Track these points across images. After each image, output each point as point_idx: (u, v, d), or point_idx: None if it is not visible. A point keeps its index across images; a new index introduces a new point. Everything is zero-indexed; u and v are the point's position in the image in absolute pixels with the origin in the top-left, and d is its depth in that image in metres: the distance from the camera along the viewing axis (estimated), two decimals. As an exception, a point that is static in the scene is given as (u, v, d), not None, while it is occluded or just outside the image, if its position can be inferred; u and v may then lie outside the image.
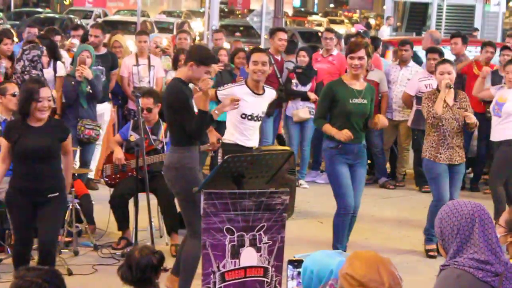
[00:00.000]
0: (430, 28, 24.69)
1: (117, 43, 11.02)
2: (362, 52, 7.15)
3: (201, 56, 6.17)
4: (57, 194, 6.13)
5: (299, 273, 4.92)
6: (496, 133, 9.04)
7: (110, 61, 10.14)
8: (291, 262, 4.55)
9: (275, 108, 10.34)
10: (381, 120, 7.33)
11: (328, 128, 7.22)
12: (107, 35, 11.19)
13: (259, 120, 7.17)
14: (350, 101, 7.21)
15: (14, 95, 7.62)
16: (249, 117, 7.04)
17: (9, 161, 6.21)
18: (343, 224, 7.32)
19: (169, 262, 7.15)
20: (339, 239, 7.34)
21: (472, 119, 7.65)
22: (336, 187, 7.32)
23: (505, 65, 9.22)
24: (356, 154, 7.31)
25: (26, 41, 9.88)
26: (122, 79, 10.42)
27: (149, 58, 10.36)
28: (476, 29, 26.17)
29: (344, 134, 7.08)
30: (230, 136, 7.13)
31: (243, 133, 7.09)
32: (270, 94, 7.32)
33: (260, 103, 7.14)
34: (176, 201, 7.79)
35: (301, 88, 10.50)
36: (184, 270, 6.23)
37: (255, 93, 7.10)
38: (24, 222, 6.22)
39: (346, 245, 7.42)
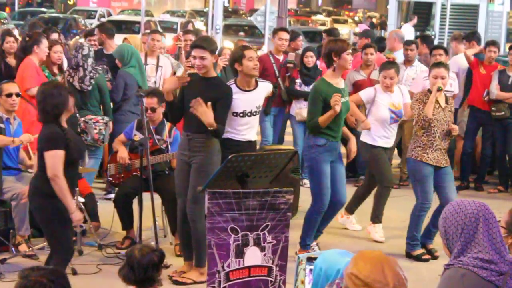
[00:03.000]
0: (434, 27, 24.65)
1: (126, 41, 11.02)
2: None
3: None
4: None
5: (311, 270, 4.95)
6: None
7: (109, 62, 10.09)
8: (309, 259, 4.62)
9: (271, 107, 10.36)
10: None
11: (322, 117, 7.25)
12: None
13: (254, 115, 7.18)
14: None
15: (9, 96, 7.60)
16: (241, 114, 7.07)
17: None
18: (315, 221, 7.55)
19: (173, 261, 7.17)
20: (309, 235, 7.59)
21: (457, 132, 7.92)
22: (317, 186, 7.47)
23: None
24: (336, 150, 7.52)
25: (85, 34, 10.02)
26: None
27: (158, 58, 10.33)
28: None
29: (334, 101, 7.14)
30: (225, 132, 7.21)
31: (235, 128, 7.12)
32: (264, 87, 7.32)
33: (252, 99, 7.13)
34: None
35: (304, 88, 10.49)
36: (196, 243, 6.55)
37: (246, 90, 7.08)
38: (67, 230, 6.00)
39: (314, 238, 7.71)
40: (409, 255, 7.83)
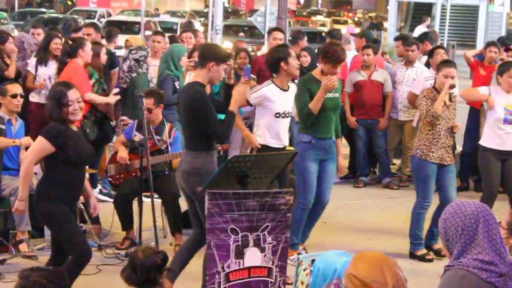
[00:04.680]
0: (434, 28, 24.65)
1: (128, 42, 11.02)
2: None
3: (221, 54, 6.19)
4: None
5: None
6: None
7: (108, 60, 10.06)
8: (313, 261, 4.66)
9: None
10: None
11: (311, 103, 7.15)
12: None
13: (288, 117, 7.20)
14: (326, 96, 7.25)
15: (14, 96, 7.61)
16: (282, 115, 7.09)
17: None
18: (301, 218, 7.49)
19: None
20: (296, 232, 7.51)
21: (459, 130, 7.86)
22: (301, 182, 7.46)
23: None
24: (327, 149, 7.43)
25: None
26: None
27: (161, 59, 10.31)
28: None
29: (328, 81, 7.08)
30: (262, 139, 7.20)
31: (278, 134, 7.14)
32: (294, 89, 7.37)
33: (287, 99, 7.21)
34: (178, 201, 7.84)
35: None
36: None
37: (283, 90, 7.12)
38: (80, 230, 5.99)
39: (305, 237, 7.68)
40: (413, 255, 7.84)
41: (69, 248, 5.84)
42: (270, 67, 7.19)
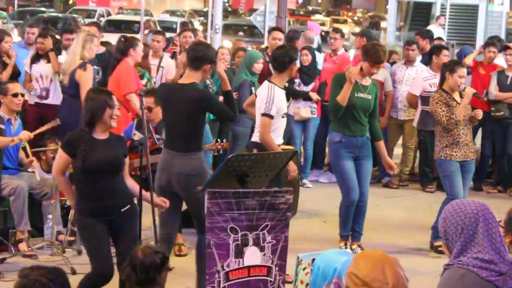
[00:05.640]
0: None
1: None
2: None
3: (213, 55, 6.39)
4: (128, 206, 5.90)
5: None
6: None
7: (107, 60, 10.05)
8: (313, 260, 4.67)
9: None
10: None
11: (340, 93, 7.31)
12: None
13: (283, 117, 7.23)
14: (356, 95, 7.44)
15: (15, 95, 7.61)
16: (285, 115, 7.11)
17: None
18: (347, 213, 7.68)
19: (172, 261, 7.16)
20: (345, 227, 7.73)
21: (481, 116, 7.95)
22: (340, 181, 7.66)
23: None
24: (360, 146, 7.57)
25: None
26: None
27: (161, 59, 10.30)
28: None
29: (349, 72, 7.23)
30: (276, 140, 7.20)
31: (282, 133, 7.16)
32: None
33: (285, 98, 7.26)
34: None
35: (303, 87, 10.49)
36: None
37: (283, 89, 7.14)
38: (105, 248, 5.71)
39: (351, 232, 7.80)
40: (432, 246, 8.02)
41: (91, 264, 5.71)
42: (280, 64, 7.09)
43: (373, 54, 7.36)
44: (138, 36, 12.72)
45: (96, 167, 5.57)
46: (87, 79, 8.54)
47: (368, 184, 7.77)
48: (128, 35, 11.33)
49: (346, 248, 7.61)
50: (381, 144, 7.72)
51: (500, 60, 11.03)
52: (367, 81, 7.56)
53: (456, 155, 7.77)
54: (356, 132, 7.50)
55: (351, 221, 7.73)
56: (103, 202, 5.65)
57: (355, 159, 7.59)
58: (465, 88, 7.86)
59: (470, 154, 7.85)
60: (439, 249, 7.84)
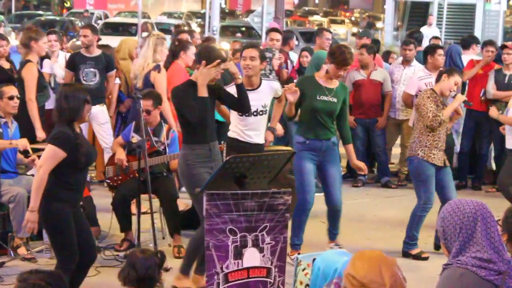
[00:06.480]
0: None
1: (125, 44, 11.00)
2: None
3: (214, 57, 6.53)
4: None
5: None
6: None
7: (104, 62, 10.01)
8: (314, 260, 4.66)
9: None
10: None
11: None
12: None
13: (261, 114, 7.20)
14: (318, 98, 7.33)
15: (11, 98, 7.60)
16: (247, 114, 7.06)
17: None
18: (301, 218, 7.50)
19: (172, 263, 7.16)
20: (298, 234, 7.54)
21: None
22: (298, 183, 7.49)
23: None
24: (324, 151, 7.43)
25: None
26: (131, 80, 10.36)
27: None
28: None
29: (285, 89, 7.20)
30: (233, 132, 7.27)
31: (244, 131, 7.17)
32: (269, 85, 7.35)
33: (256, 98, 7.12)
34: (178, 202, 7.86)
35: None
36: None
37: (248, 90, 7.05)
38: (74, 236, 5.85)
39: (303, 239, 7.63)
40: (406, 254, 7.82)
41: (57, 256, 5.89)
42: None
43: (339, 56, 7.27)
44: (135, 38, 12.68)
45: (88, 159, 5.85)
46: (162, 81, 8.88)
47: (338, 190, 7.59)
48: (125, 37, 11.36)
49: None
50: (350, 147, 7.57)
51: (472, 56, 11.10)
52: (333, 84, 7.42)
53: (435, 157, 7.58)
54: (320, 136, 7.37)
55: (304, 227, 7.56)
56: (81, 193, 5.98)
57: (319, 164, 7.46)
58: (455, 95, 7.78)
59: (446, 161, 7.71)
60: (423, 255, 7.83)
